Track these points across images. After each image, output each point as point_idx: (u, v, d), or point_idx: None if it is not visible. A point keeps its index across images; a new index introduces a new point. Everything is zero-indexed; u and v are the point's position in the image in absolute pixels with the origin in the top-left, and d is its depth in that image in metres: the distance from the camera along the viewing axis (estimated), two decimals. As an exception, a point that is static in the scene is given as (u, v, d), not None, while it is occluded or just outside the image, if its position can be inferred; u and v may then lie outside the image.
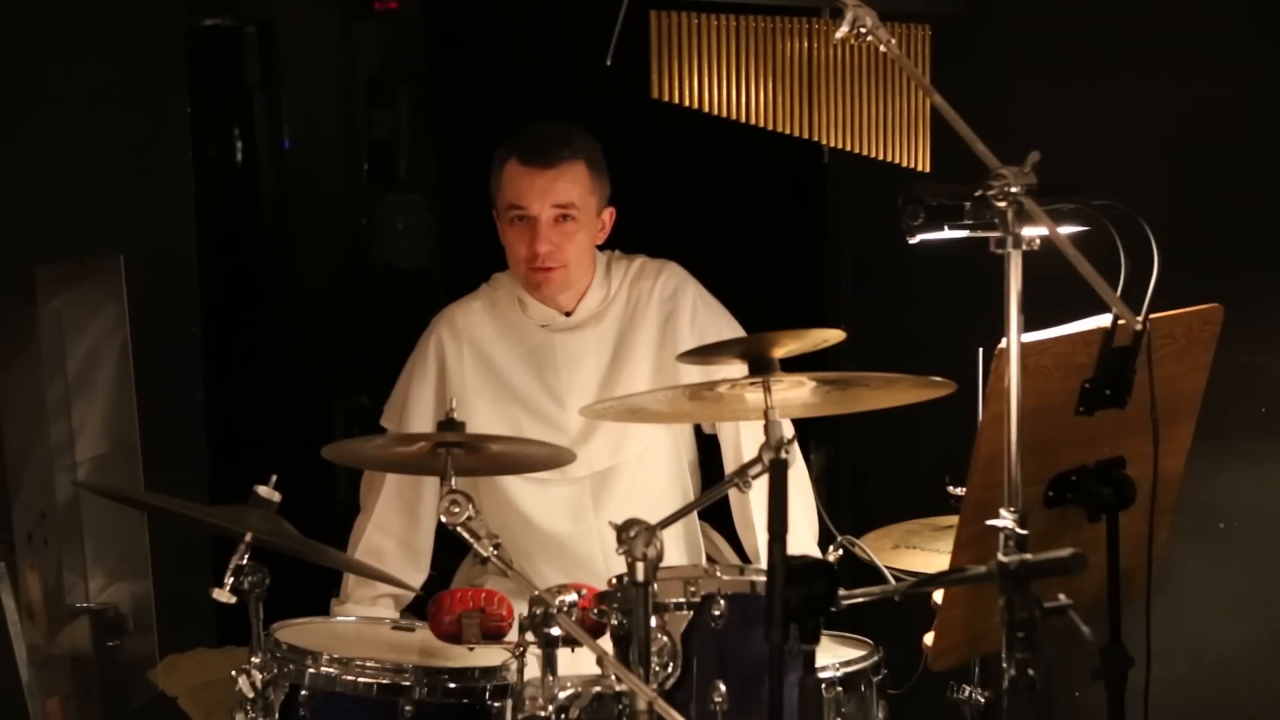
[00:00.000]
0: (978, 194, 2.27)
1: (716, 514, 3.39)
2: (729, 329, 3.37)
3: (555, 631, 2.46)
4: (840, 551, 2.84)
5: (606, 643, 2.48)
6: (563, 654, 2.51)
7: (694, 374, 3.05)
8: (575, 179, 3.26)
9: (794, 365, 2.52)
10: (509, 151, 3.28)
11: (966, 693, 2.99)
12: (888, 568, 2.89)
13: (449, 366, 3.34)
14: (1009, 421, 2.25)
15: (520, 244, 3.26)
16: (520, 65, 4.93)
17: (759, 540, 3.31)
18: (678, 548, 3.36)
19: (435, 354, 3.36)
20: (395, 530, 3.32)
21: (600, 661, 2.36)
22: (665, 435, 3.36)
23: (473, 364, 3.34)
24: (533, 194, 3.23)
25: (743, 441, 3.30)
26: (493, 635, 2.67)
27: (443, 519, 2.49)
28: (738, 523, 3.37)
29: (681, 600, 2.57)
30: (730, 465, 3.36)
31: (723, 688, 2.53)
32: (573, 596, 2.49)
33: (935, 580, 2.42)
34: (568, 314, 3.36)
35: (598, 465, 3.31)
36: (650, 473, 3.36)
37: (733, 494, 3.23)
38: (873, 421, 2.99)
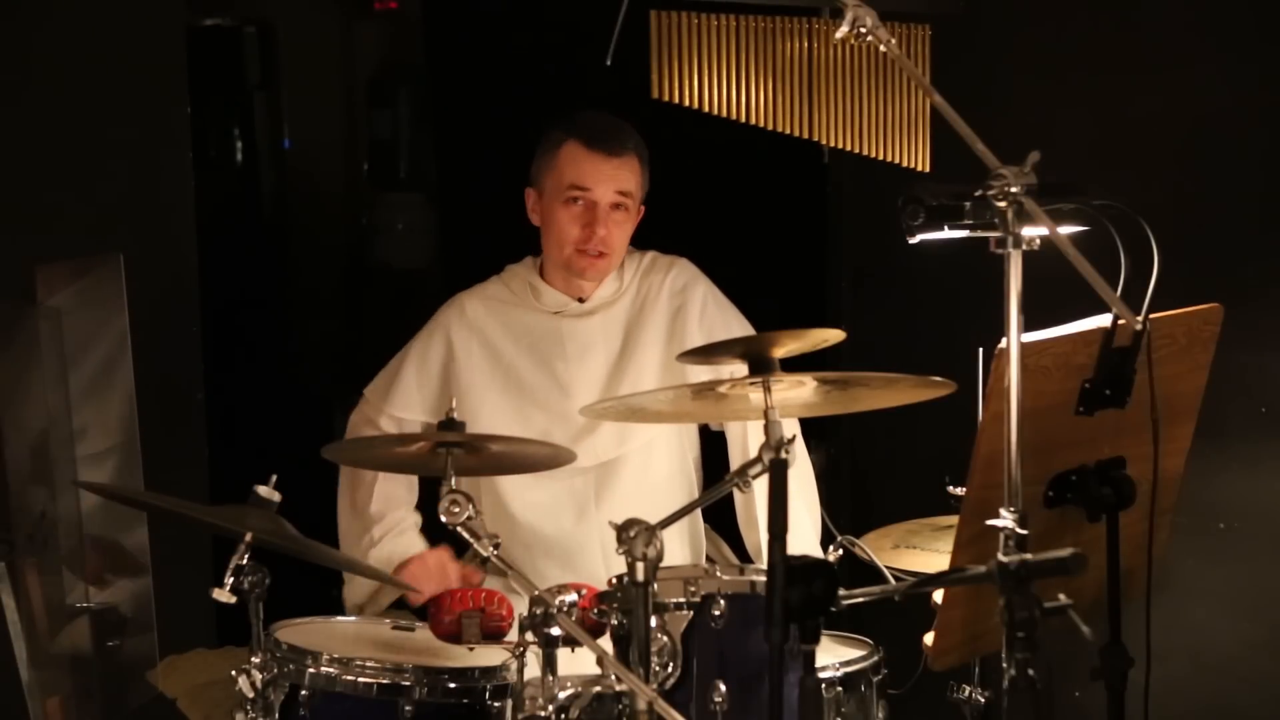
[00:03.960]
0: (978, 194, 2.27)
1: (716, 514, 3.39)
2: (738, 326, 3.38)
3: (555, 631, 2.46)
4: (840, 551, 2.84)
5: (606, 643, 2.48)
6: (563, 654, 2.51)
7: (700, 372, 3.05)
8: (634, 170, 3.31)
9: (794, 365, 2.52)
10: (568, 134, 3.30)
11: (966, 693, 2.99)
12: (888, 568, 2.89)
13: (457, 356, 3.36)
14: (1009, 421, 2.25)
15: (574, 225, 3.28)
16: (520, 65, 4.93)
17: (762, 538, 3.31)
18: (681, 546, 3.36)
19: (441, 341, 3.37)
20: (397, 492, 3.34)
21: (600, 661, 2.36)
22: (671, 429, 3.37)
23: (480, 355, 3.36)
24: (599, 178, 3.26)
25: (749, 440, 3.30)
26: (493, 635, 2.67)
27: (443, 519, 2.50)
28: (741, 521, 3.37)
29: (681, 600, 2.57)
30: (737, 464, 3.36)
31: (723, 688, 2.53)
32: (573, 596, 2.50)
33: (935, 580, 2.42)
34: (581, 301, 3.37)
35: (604, 455, 3.32)
36: (654, 466, 3.37)
37: (736, 491, 3.24)
38: (873, 421, 2.99)
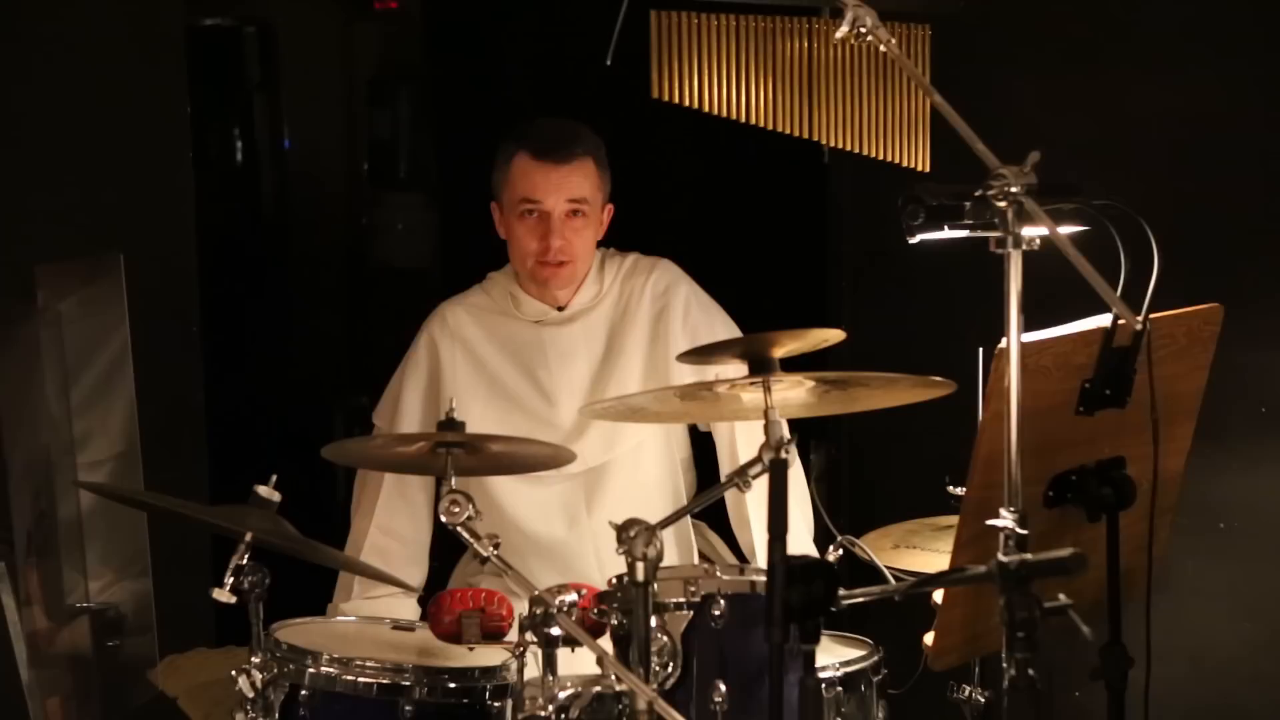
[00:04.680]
0: (978, 194, 2.27)
1: (714, 514, 3.39)
2: (723, 326, 3.37)
3: (555, 631, 2.46)
4: (840, 551, 2.84)
5: (606, 643, 2.48)
6: (563, 654, 2.51)
7: (687, 372, 3.05)
8: (587, 174, 3.27)
9: (794, 365, 2.52)
10: (517, 145, 3.27)
11: (966, 693, 2.99)
12: (888, 568, 2.89)
13: (442, 366, 3.35)
14: (1009, 421, 2.25)
15: (531, 238, 3.26)
16: (520, 65, 4.93)
17: (755, 538, 3.31)
18: (671, 546, 3.35)
19: (427, 354, 3.37)
20: (398, 530, 3.33)
21: (600, 661, 2.36)
22: (658, 431, 3.36)
23: (465, 363, 3.35)
24: (548, 188, 3.23)
25: (738, 441, 3.30)
26: (493, 635, 2.67)
27: (443, 519, 2.50)
28: (733, 521, 3.37)
29: (681, 600, 2.57)
30: (725, 465, 3.36)
31: (723, 688, 2.53)
32: (573, 596, 2.49)
33: (935, 580, 2.42)
34: (560, 309, 3.36)
35: (592, 461, 3.31)
36: (643, 469, 3.36)
37: (729, 492, 3.24)
38: (873, 421, 2.99)
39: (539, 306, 3.37)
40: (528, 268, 3.30)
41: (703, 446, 3.48)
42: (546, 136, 3.26)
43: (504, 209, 3.31)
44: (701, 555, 3.44)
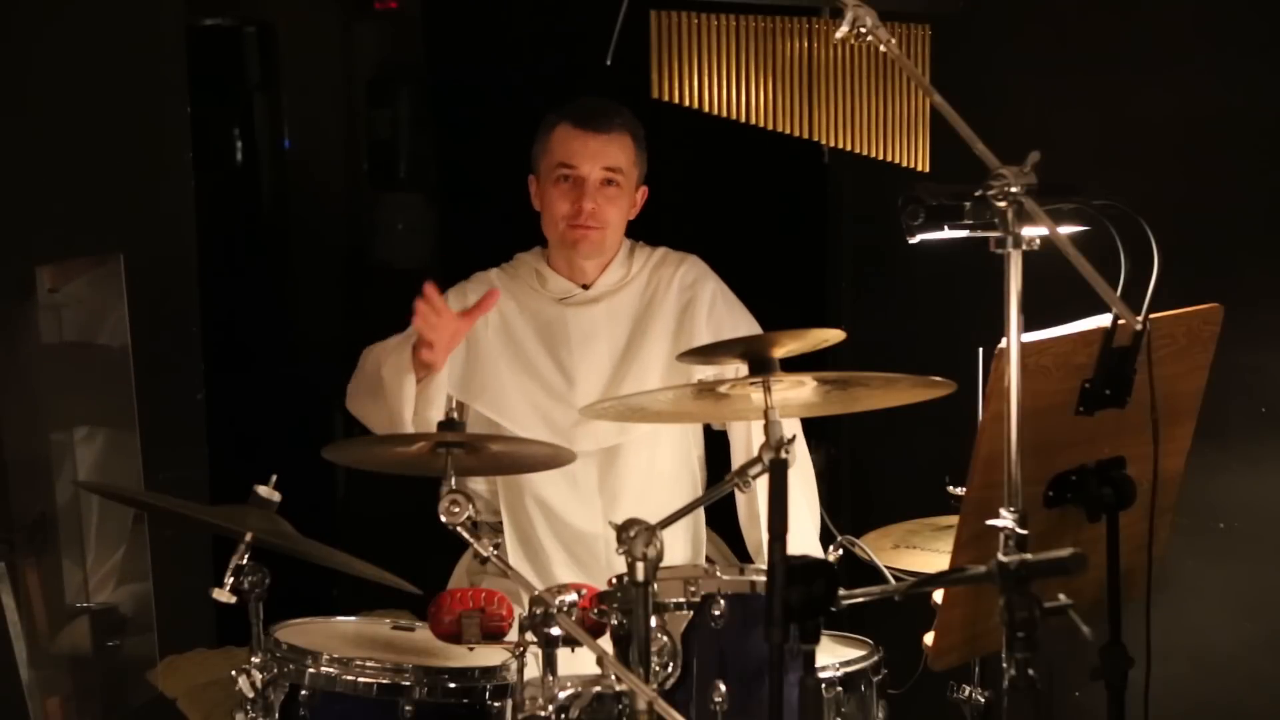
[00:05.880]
0: (978, 194, 2.27)
1: (715, 514, 3.39)
2: (746, 326, 3.39)
3: (555, 631, 2.46)
4: (840, 551, 2.84)
5: (606, 643, 2.48)
6: (563, 654, 2.51)
7: (702, 371, 3.06)
8: (624, 147, 3.33)
9: (794, 365, 2.52)
10: (560, 116, 3.35)
11: (966, 693, 2.99)
12: (888, 568, 2.89)
13: (476, 322, 3.34)
14: (1009, 421, 2.25)
15: (564, 201, 3.31)
16: (520, 65, 4.93)
17: (764, 536, 3.31)
18: (683, 545, 3.36)
19: (457, 299, 3.33)
20: None
21: (600, 661, 2.36)
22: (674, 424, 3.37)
23: (496, 326, 3.38)
24: (585, 154, 3.30)
25: (754, 440, 3.30)
26: (493, 635, 2.67)
27: (443, 519, 2.50)
28: (743, 518, 3.37)
29: (681, 600, 2.57)
30: (740, 464, 3.36)
31: (723, 688, 2.53)
32: (573, 596, 2.50)
33: (935, 580, 2.42)
34: (585, 287, 3.38)
35: (604, 442, 3.33)
36: (658, 459, 3.37)
37: (737, 490, 3.24)
38: (873, 421, 2.99)
39: (564, 284, 3.39)
40: (558, 231, 3.34)
41: (711, 446, 3.48)
42: (589, 108, 3.35)
43: (540, 177, 3.37)
44: (704, 556, 3.44)
